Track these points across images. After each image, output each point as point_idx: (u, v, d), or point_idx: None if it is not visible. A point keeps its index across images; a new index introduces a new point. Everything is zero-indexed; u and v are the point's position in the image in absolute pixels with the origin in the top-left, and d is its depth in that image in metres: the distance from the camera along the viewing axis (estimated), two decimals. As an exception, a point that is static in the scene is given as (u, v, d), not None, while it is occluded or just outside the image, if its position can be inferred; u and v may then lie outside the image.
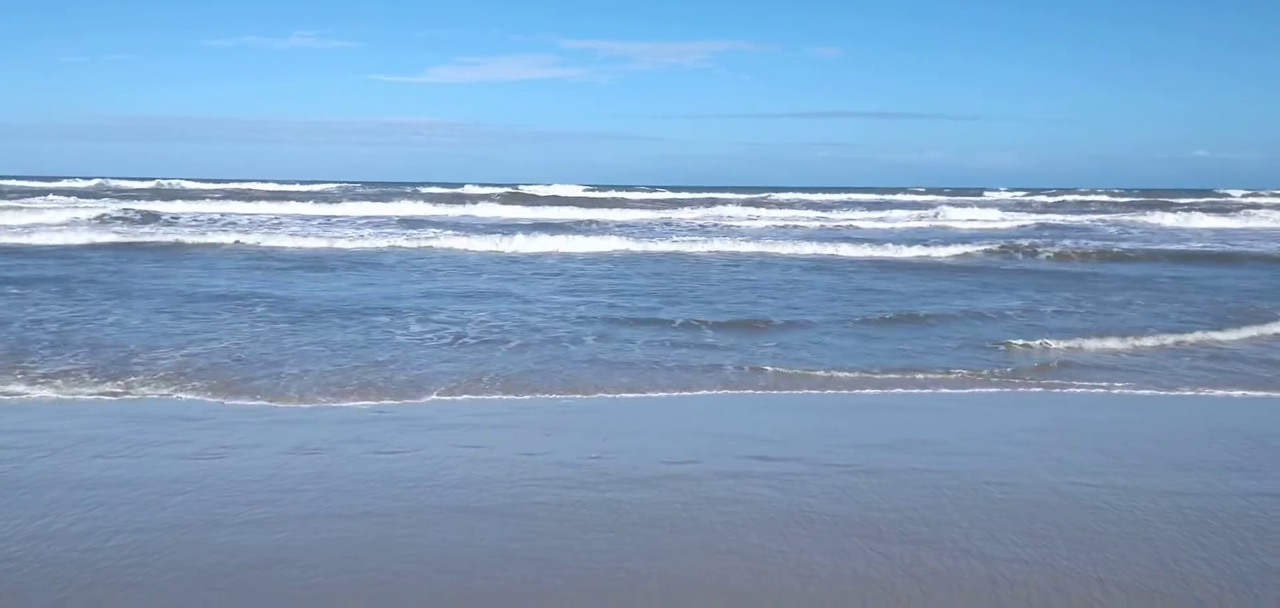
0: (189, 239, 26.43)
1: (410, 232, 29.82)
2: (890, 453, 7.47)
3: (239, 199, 48.84)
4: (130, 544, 5.47)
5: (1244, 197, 68.04)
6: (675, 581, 5.11)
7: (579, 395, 9.40)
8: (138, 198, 48.50)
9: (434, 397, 9.23)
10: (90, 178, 76.57)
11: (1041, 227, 38.38)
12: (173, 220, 34.13)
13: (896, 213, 44.70)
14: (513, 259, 23.56)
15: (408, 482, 6.63)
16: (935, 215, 43.01)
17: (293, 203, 47.08)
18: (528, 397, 9.31)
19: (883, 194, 73.40)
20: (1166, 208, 51.98)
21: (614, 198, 59.17)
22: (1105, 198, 70.44)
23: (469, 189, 64.16)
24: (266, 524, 5.83)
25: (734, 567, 5.27)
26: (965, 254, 25.71)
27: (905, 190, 79.19)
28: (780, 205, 51.78)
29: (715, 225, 36.91)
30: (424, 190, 63.18)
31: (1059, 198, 69.58)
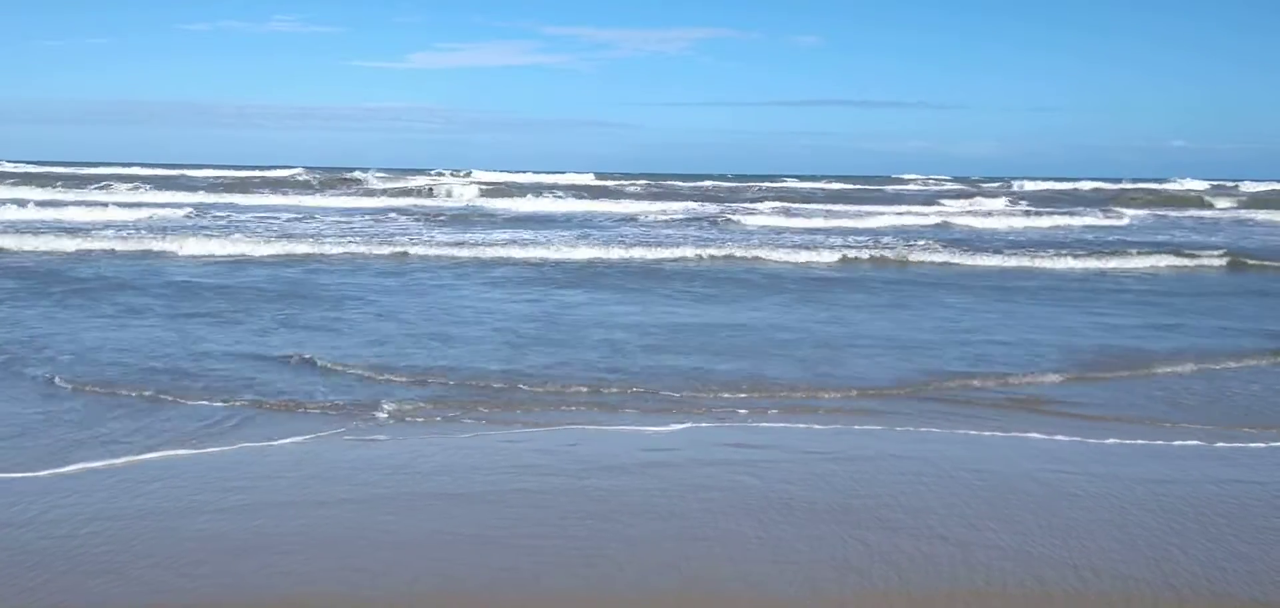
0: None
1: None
2: (869, 440, 7.50)
3: (179, 188, 47.24)
4: (106, 532, 5.43)
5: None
6: (654, 567, 5.11)
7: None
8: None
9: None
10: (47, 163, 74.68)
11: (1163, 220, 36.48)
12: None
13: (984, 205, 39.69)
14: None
15: (385, 469, 6.61)
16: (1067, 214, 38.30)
17: (250, 192, 45.43)
18: None
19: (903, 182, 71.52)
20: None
21: (569, 185, 55.55)
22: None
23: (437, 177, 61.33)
24: (243, 511, 5.80)
25: (712, 553, 5.28)
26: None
27: (902, 178, 77.44)
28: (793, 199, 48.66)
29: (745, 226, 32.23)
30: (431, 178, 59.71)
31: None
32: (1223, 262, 21.75)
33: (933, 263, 20.97)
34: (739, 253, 21.47)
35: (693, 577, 5.00)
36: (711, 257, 20.84)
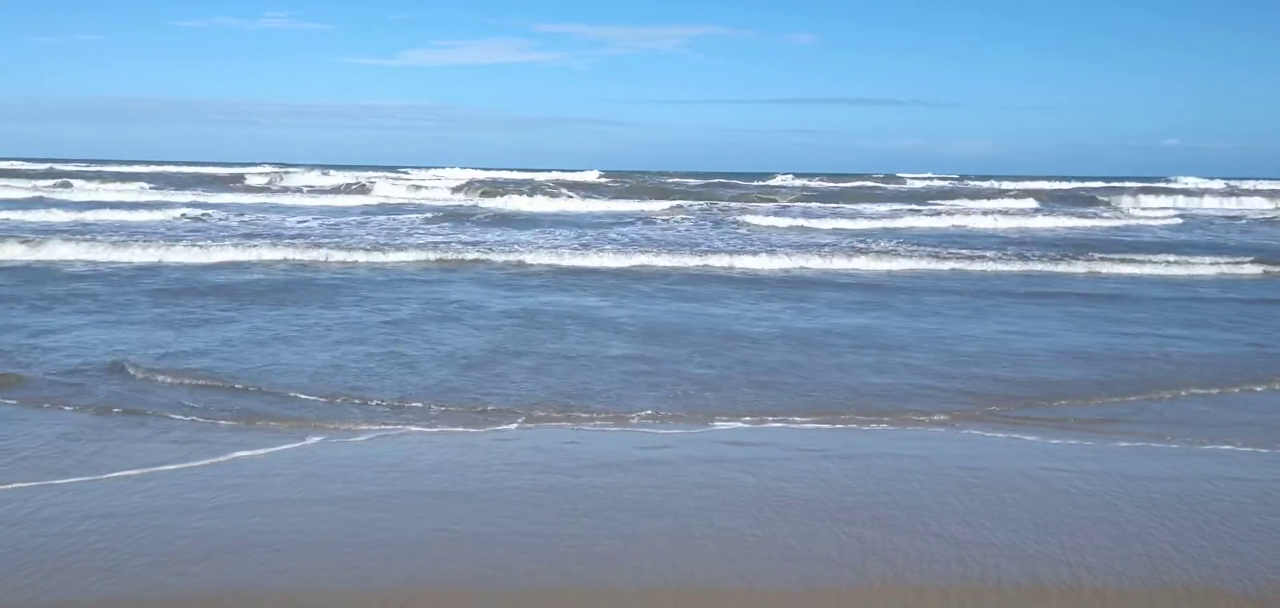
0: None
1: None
2: (864, 438, 7.51)
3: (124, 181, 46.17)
4: (99, 530, 5.42)
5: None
6: (648, 565, 5.11)
7: None
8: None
9: None
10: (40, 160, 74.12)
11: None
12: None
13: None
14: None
15: (380, 467, 6.60)
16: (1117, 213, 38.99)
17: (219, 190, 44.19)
18: None
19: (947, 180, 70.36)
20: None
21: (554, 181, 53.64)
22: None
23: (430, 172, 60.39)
24: (237, 509, 5.79)
25: (707, 551, 5.28)
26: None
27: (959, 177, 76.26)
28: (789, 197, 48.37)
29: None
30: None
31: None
32: (1257, 269, 20.72)
33: (951, 270, 19.99)
34: (736, 260, 21.37)
35: (688, 574, 5.00)
36: (708, 265, 20.45)
